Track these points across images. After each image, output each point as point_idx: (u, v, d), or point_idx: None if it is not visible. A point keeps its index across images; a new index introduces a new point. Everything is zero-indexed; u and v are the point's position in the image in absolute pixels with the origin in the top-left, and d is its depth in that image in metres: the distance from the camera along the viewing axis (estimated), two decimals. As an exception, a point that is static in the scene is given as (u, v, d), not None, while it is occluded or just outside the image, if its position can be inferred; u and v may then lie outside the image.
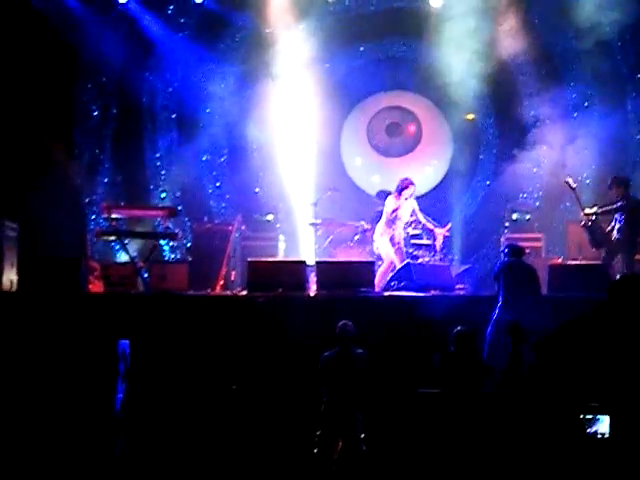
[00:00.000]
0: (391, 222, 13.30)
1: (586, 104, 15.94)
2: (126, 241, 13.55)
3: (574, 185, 13.47)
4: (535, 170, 15.96)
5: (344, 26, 16.17)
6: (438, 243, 13.69)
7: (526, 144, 15.77)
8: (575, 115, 15.87)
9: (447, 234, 13.76)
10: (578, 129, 15.59)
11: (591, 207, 13.18)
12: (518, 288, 10.51)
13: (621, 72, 15.89)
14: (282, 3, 15.94)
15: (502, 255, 11.21)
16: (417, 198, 14.00)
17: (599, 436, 5.93)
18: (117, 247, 14.85)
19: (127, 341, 10.39)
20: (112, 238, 14.09)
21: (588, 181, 15.77)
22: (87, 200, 15.92)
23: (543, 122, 15.80)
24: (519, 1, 15.82)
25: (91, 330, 10.99)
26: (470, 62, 15.31)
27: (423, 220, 13.62)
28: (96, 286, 12.99)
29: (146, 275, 13.40)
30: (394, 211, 13.26)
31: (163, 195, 16.27)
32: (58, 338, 10.92)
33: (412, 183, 13.38)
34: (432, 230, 13.66)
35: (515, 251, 10.92)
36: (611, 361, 5.86)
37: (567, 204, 15.52)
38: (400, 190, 13.34)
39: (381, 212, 13.54)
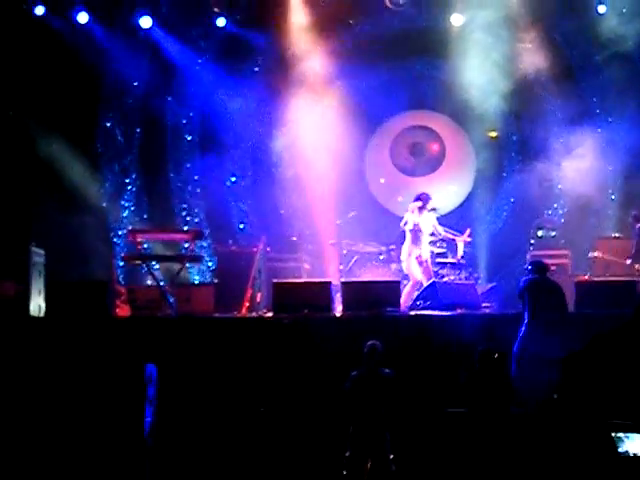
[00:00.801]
0: (416, 239, 13.30)
1: (610, 119, 15.88)
2: (152, 265, 13.61)
3: (602, 255, 13.73)
4: (560, 186, 15.91)
5: (366, 46, 16.19)
6: (460, 251, 13.73)
7: (550, 160, 15.72)
8: (599, 130, 15.80)
9: (468, 239, 13.78)
10: (602, 145, 15.54)
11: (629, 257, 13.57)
12: (544, 305, 10.43)
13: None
14: (303, 24, 16.02)
15: (526, 272, 11.12)
16: (442, 217, 14.02)
17: (631, 455, 5.87)
18: (143, 271, 14.89)
19: (154, 365, 10.40)
20: (138, 262, 14.14)
21: (613, 196, 15.72)
22: (113, 225, 16.01)
23: (566, 138, 15.73)
24: (541, 18, 15.80)
25: (118, 354, 11.01)
26: (492, 79, 15.31)
27: (442, 232, 13.68)
28: (123, 310, 13.05)
29: (172, 298, 13.42)
30: (407, 223, 13.31)
31: (188, 218, 16.33)
32: (86, 362, 10.95)
33: (429, 197, 13.46)
34: (453, 239, 13.69)
35: (539, 268, 10.83)
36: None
37: (593, 220, 15.50)
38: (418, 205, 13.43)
39: (404, 231, 13.56)
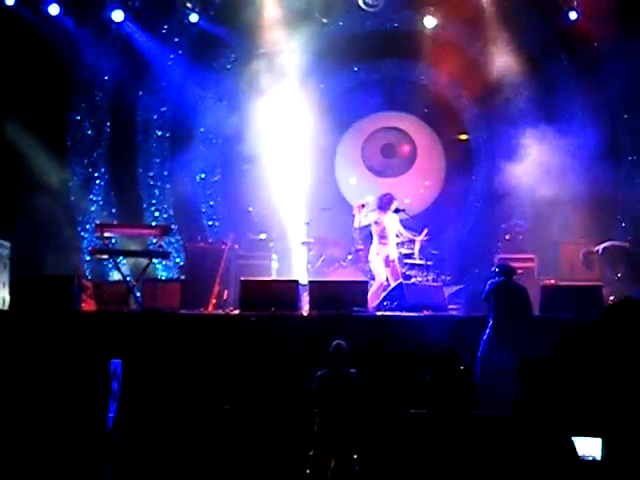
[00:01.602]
0: (381, 239, 13.37)
1: (578, 124, 15.96)
2: (119, 260, 13.55)
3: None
4: (528, 190, 15.96)
5: (338, 46, 16.21)
6: (416, 250, 13.79)
7: (518, 163, 15.77)
8: (567, 136, 15.88)
9: (425, 238, 13.82)
10: (571, 149, 15.62)
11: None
12: (509, 308, 10.51)
13: (614, 96, 15.93)
14: (276, 23, 15.99)
15: (493, 275, 11.18)
16: (411, 218, 14.07)
17: (590, 459, 5.92)
18: (110, 266, 14.83)
19: (119, 360, 10.36)
20: (105, 257, 14.07)
21: (581, 201, 15.80)
22: (80, 219, 15.92)
23: (536, 143, 15.80)
24: (512, 24, 15.88)
25: (83, 349, 10.96)
26: (463, 83, 15.37)
27: (405, 233, 13.73)
28: (88, 304, 12.97)
29: (138, 294, 13.38)
30: (354, 222, 13.42)
31: (157, 214, 16.28)
32: (50, 357, 10.89)
33: (393, 198, 13.53)
34: (412, 240, 13.78)
35: (506, 271, 10.91)
36: (603, 383, 5.85)
37: (559, 224, 15.59)
38: (382, 205, 13.49)
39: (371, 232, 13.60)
